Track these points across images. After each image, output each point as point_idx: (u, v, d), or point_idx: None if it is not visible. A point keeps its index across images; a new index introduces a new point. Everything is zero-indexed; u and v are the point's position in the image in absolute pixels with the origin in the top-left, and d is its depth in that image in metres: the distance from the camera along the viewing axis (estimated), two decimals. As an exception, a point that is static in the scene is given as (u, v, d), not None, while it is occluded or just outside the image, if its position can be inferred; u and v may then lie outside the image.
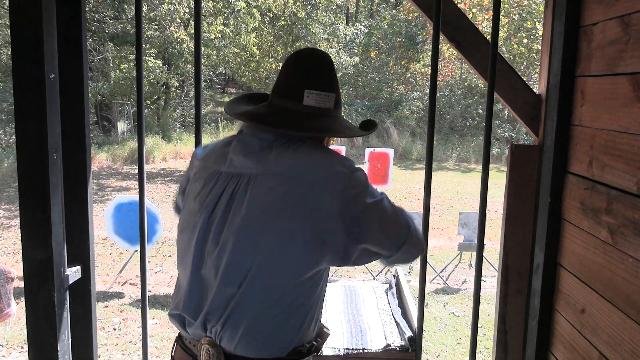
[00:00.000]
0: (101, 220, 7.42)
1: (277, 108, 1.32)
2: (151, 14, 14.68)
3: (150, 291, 5.41)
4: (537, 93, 1.97)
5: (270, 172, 1.24)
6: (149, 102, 16.74)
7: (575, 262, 1.72)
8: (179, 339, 1.37)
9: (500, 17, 13.72)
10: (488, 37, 1.90)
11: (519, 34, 14.97)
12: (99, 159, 12.46)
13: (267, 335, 1.24)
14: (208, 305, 1.25)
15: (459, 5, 1.94)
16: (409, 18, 17.90)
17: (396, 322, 2.20)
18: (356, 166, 1.28)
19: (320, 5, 15.89)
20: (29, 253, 1.64)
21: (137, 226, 5.43)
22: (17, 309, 4.46)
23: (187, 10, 14.94)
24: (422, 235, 1.41)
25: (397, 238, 1.31)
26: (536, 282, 1.91)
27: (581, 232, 1.68)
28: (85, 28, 1.75)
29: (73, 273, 1.78)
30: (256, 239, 1.21)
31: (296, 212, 1.20)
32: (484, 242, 2.00)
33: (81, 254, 1.84)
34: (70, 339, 1.81)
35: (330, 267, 1.41)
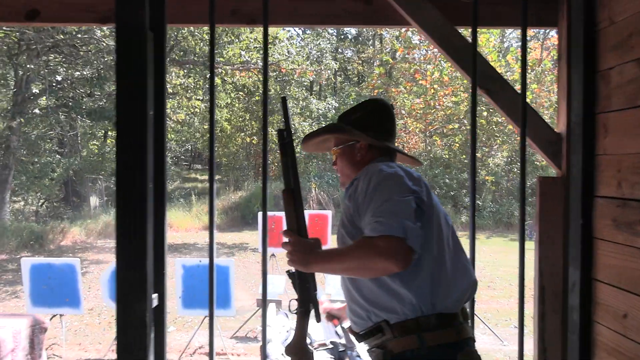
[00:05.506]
0: (86, 291, 7.26)
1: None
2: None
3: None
4: (556, 132, 2.26)
5: None
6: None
7: (613, 274, 1.93)
8: None
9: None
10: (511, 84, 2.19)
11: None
12: (72, 234, 12.22)
13: (357, 315, 1.63)
14: None
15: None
16: (374, 94, 18.65)
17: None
18: (390, 171, 1.57)
19: (292, 81, 16.54)
20: (124, 274, 1.74)
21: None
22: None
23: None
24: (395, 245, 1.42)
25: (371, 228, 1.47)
26: (573, 299, 2.11)
27: (616, 245, 1.91)
28: (165, 68, 1.93)
29: (153, 299, 1.88)
30: None
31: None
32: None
33: (158, 283, 1.93)
34: (150, 364, 1.87)
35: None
